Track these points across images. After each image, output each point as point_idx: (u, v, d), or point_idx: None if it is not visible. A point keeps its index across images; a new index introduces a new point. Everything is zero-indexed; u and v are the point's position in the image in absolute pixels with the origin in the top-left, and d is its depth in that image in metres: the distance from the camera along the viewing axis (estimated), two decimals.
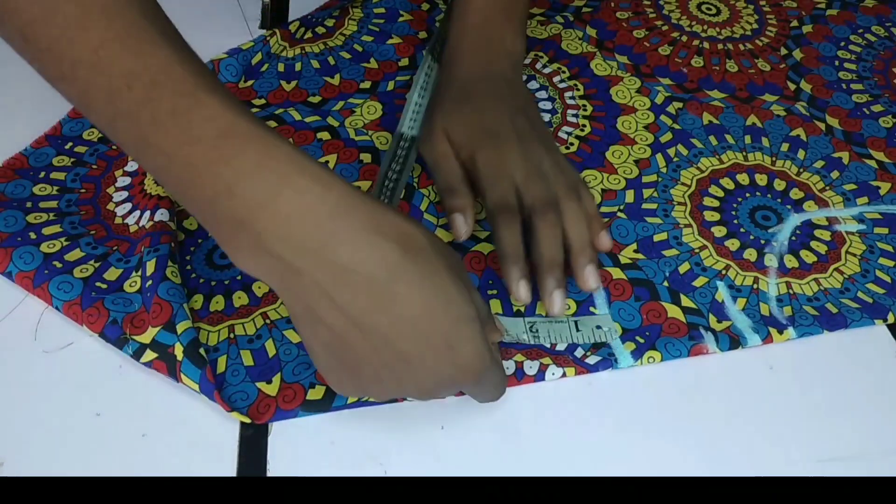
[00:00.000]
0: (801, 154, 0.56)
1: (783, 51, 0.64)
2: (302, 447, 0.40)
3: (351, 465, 0.40)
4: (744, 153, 0.55)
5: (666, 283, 0.47)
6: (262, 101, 0.57)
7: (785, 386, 0.44)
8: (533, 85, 0.60)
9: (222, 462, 0.40)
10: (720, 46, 0.64)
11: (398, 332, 0.34)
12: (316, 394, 0.42)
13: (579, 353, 0.44)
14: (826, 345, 0.46)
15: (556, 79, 0.60)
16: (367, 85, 0.58)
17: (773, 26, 0.66)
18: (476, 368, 0.35)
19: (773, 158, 0.55)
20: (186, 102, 0.31)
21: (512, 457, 0.40)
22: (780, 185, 0.53)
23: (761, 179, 0.54)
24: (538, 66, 0.61)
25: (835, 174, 0.54)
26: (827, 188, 0.53)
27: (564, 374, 0.43)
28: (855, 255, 0.50)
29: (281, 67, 0.59)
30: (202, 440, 0.40)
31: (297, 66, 0.60)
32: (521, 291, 0.44)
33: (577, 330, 0.45)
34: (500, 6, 0.53)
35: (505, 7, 0.53)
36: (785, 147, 0.56)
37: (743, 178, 0.54)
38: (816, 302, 0.47)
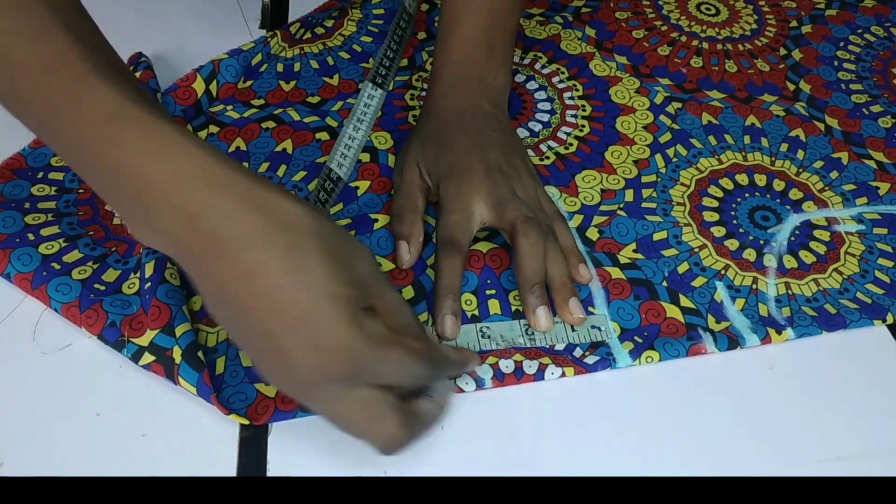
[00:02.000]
0: (800, 154, 0.56)
1: (782, 51, 0.64)
2: (302, 447, 0.40)
3: (351, 465, 0.40)
4: (743, 153, 0.55)
5: (665, 283, 0.48)
6: (262, 102, 0.57)
7: (785, 386, 0.44)
8: (532, 85, 0.60)
9: (222, 462, 0.40)
10: (719, 47, 0.64)
11: (268, 317, 0.33)
12: None
13: (578, 352, 0.44)
14: (826, 345, 0.46)
15: (555, 79, 0.60)
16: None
17: (773, 26, 0.66)
18: (343, 355, 0.33)
19: (773, 158, 0.55)
20: (78, 87, 0.33)
21: (512, 457, 0.40)
22: (779, 185, 0.54)
23: (760, 180, 0.54)
24: (537, 66, 0.61)
25: (834, 174, 0.54)
26: (826, 188, 0.53)
27: (564, 374, 0.43)
28: (854, 256, 0.50)
29: (280, 68, 0.59)
30: (202, 440, 0.40)
31: (297, 67, 0.60)
32: (446, 327, 0.44)
33: (573, 330, 0.45)
34: (483, 42, 0.52)
35: (488, 43, 0.52)
36: (784, 147, 0.56)
37: (742, 179, 0.54)
38: (815, 303, 0.47)
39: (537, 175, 0.51)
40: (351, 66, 0.60)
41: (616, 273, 0.48)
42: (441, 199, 0.48)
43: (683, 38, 0.64)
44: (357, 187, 0.52)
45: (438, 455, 0.40)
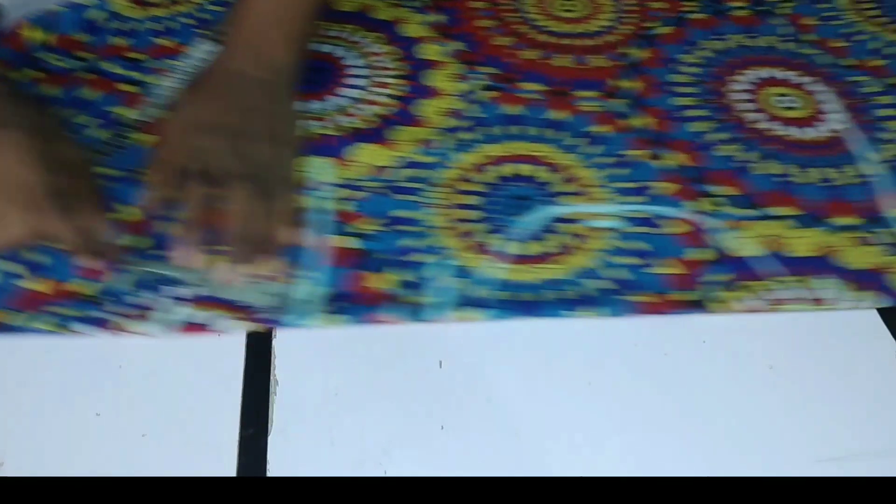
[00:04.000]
0: (596, 149, 0.55)
1: (627, 49, 0.63)
2: (302, 447, 0.40)
3: (351, 465, 0.40)
4: (534, 144, 0.55)
5: (386, 256, 0.48)
6: (92, 56, 0.59)
7: (785, 386, 0.44)
8: (358, 62, 0.60)
9: (222, 462, 0.40)
10: (566, 42, 0.63)
11: None
12: None
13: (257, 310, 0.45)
14: (826, 345, 0.46)
15: (376, 57, 0.61)
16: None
17: (630, 25, 0.65)
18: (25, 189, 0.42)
19: (564, 152, 0.55)
20: None
21: (512, 457, 0.40)
22: (552, 176, 0.53)
23: (537, 171, 0.53)
24: (362, 43, 0.62)
25: (620, 171, 0.54)
26: (604, 185, 0.53)
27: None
28: (592, 251, 0.49)
29: (118, 25, 0.61)
30: (202, 440, 0.40)
31: (136, 27, 0.61)
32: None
33: (257, 292, 0.46)
34: (275, 20, 0.53)
35: (279, 21, 0.53)
36: (583, 142, 0.55)
37: (518, 169, 0.53)
38: (529, 289, 0.47)
39: (295, 144, 0.52)
40: (191, 32, 0.61)
41: (342, 241, 0.48)
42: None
43: (524, 29, 0.64)
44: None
45: (438, 455, 0.40)
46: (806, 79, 0.61)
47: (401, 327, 0.45)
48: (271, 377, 0.43)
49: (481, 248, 0.49)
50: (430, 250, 0.48)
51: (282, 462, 0.40)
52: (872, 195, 0.53)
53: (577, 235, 0.50)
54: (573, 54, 0.62)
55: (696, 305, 0.46)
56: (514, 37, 0.64)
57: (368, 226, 0.50)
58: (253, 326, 0.45)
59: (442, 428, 0.41)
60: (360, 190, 0.51)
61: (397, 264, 0.48)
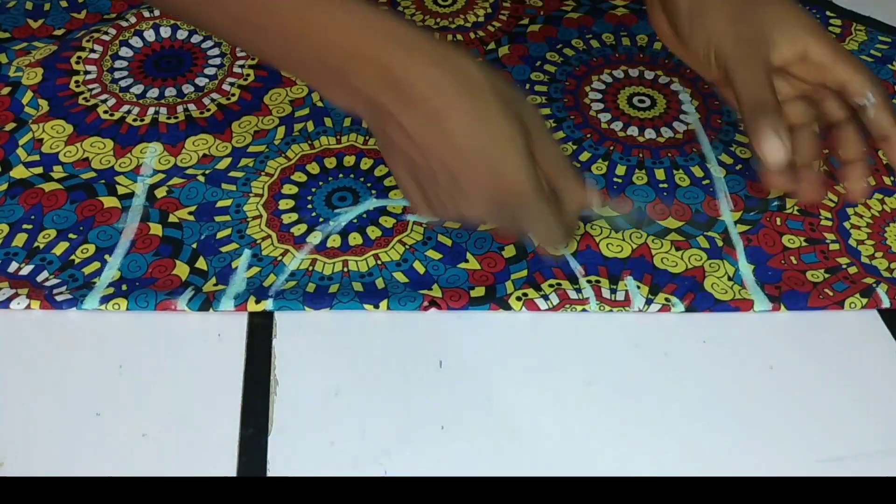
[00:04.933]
0: None
1: (493, 45, 0.62)
2: (302, 447, 0.40)
3: (351, 465, 0.40)
4: (366, 137, 0.55)
5: (195, 245, 0.48)
6: (7, 35, 0.59)
7: (785, 386, 0.44)
8: (195, 38, 0.61)
9: (222, 462, 0.40)
10: (449, 38, 0.63)
11: (451, 155, 0.38)
12: None
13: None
14: (826, 345, 0.46)
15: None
16: (111, 16, 0.61)
17: (501, 22, 0.65)
18: (519, 188, 0.39)
19: None
20: None
21: (512, 457, 0.40)
22: (381, 170, 0.53)
23: (366, 163, 0.54)
24: None
25: None
26: None
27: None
28: (403, 244, 0.49)
29: (29, 6, 0.62)
30: (202, 440, 0.40)
31: (46, 7, 0.62)
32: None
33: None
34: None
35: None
36: None
37: (344, 161, 0.54)
38: (327, 281, 0.47)
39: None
40: (100, 2, 0.62)
41: (155, 229, 0.49)
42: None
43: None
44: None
45: (438, 455, 0.40)
46: (665, 79, 0.61)
47: (401, 327, 0.45)
48: (271, 377, 0.43)
49: (294, 240, 0.49)
50: (241, 240, 0.49)
51: (282, 462, 0.40)
52: (708, 198, 0.52)
53: (390, 228, 0.50)
54: None
55: (499, 302, 0.46)
56: None
57: (185, 215, 0.50)
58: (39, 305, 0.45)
59: (442, 428, 0.41)
60: (183, 178, 0.52)
61: (208, 253, 0.48)
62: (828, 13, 0.67)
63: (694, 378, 0.44)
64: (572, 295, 0.46)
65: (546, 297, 0.46)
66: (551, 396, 0.43)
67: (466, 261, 0.48)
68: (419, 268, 0.48)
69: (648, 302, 0.46)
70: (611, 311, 0.46)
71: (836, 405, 0.43)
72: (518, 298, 0.46)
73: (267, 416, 0.41)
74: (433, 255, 0.48)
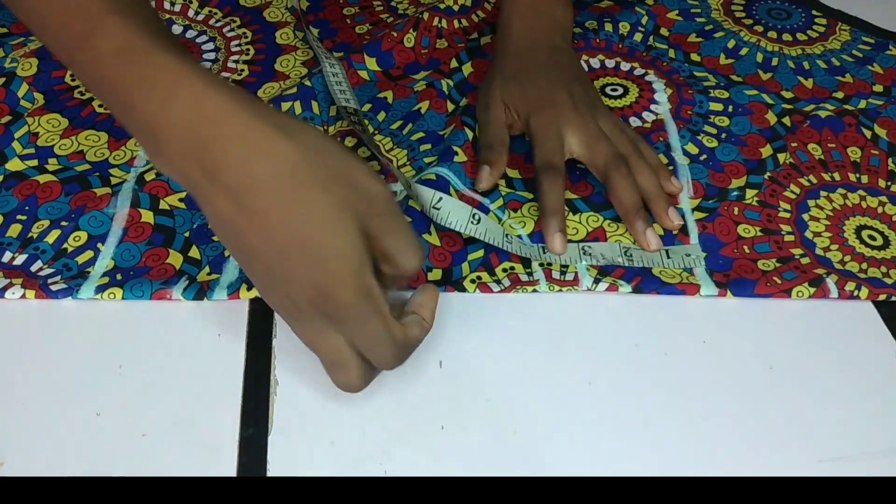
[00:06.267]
0: (407, 129, 0.56)
1: (475, 35, 0.63)
2: (302, 447, 0.40)
3: (351, 465, 0.40)
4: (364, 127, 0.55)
5: (187, 234, 0.48)
6: (4, 31, 0.60)
7: (785, 386, 0.44)
8: (190, 33, 0.62)
9: (222, 462, 0.40)
10: (435, 21, 0.63)
11: (263, 245, 0.35)
12: None
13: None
14: (826, 345, 0.46)
15: (225, 29, 0.63)
16: None
17: (485, 11, 0.65)
18: (340, 301, 0.35)
19: (377, 132, 0.55)
20: (93, 24, 0.35)
21: (512, 457, 0.40)
22: (364, 152, 0.54)
23: (350, 141, 0.55)
24: (211, 22, 0.63)
25: (425, 147, 0.54)
26: (411, 161, 0.54)
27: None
28: None
29: None
30: (202, 440, 0.40)
31: None
32: (556, 243, 0.48)
33: (668, 257, 0.48)
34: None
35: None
36: (397, 124, 0.56)
37: None
38: None
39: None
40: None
41: (147, 216, 0.49)
42: (533, 131, 0.52)
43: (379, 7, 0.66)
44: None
45: (438, 455, 0.40)
46: (640, 70, 0.61)
47: None
48: (271, 377, 0.43)
49: None
50: None
51: (282, 462, 0.40)
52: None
53: None
54: (418, 32, 0.62)
55: (455, 285, 0.47)
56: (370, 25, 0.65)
57: (175, 202, 0.50)
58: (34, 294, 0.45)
59: (442, 428, 0.41)
60: None
61: (198, 242, 0.48)
62: (813, 12, 0.68)
63: (694, 378, 0.44)
64: (523, 277, 0.47)
65: (499, 282, 0.47)
66: (551, 396, 0.43)
67: (430, 233, 0.49)
68: None
69: (597, 281, 0.47)
70: (560, 290, 0.47)
71: (836, 405, 0.43)
72: (472, 281, 0.47)
73: (267, 416, 0.41)
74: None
